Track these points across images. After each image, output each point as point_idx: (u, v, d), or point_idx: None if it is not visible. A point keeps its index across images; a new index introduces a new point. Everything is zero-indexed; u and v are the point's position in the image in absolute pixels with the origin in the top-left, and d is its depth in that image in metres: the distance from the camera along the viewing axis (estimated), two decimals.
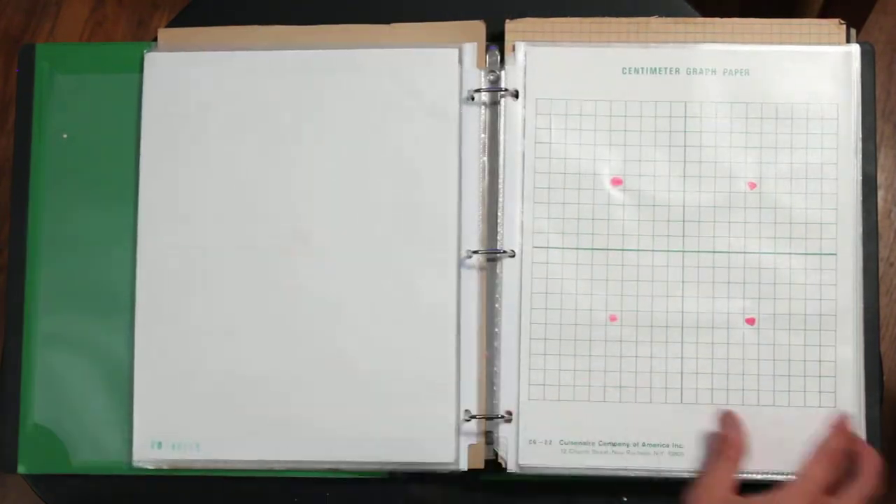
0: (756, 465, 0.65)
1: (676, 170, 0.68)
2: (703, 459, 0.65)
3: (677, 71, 0.69)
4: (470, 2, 0.72)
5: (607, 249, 0.68)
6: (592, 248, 0.68)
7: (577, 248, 0.68)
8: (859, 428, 0.66)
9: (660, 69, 0.69)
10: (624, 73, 0.69)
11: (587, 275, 0.67)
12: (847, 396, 0.66)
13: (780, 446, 0.66)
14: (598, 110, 0.68)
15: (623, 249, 0.68)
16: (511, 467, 0.66)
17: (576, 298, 0.67)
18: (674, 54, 0.69)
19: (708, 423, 0.66)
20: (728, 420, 0.65)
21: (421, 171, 0.69)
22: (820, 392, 0.66)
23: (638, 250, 0.68)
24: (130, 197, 0.70)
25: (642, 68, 0.69)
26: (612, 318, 0.67)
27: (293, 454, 0.68)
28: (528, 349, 0.67)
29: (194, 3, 0.76)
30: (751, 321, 0.67)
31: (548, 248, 0.68)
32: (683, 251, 0.67)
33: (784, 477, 0.65)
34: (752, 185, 0.68)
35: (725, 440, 0.65)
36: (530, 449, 0.66)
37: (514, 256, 0.68)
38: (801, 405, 0.66)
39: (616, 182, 0.68)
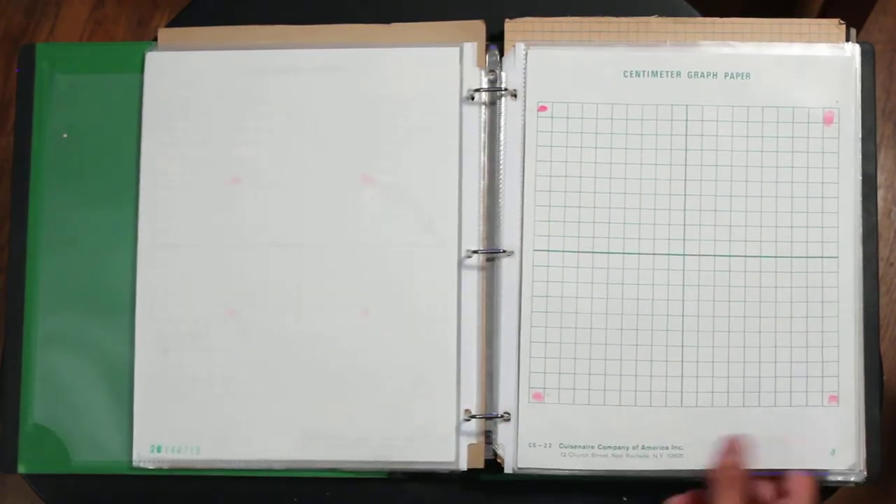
0: (758, 466, 0.65)
1: (677, 173, 0.68)
2: (709, 490, 0.62)
3: (678, 74, 0.69)
4: (470, 2, 0.72)
5: (608, 253, 0.68)
6: (593, 252, 0.68)
7: (577, 252, 0.68)
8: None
9: (661, 72, 0.69)
10: (625, 76, 0.69)
11: (588, 278, 0.67)
12: (847, 397, 0.66)
13: (782, 447, 0.66)
14: (599, 113, 0.68)
15: (624, 253, 0.67)
16: (510, 469, 0.66)
17: (576, 302, 0.67)
18: (675, 57, 0.69)
19: (708, 425, 0.66)
20: (730, 446, 0.64)
21: (421, 169, 0.69)
22: (822, 392, 0.66)
23: (639, 254, 0.67)
24: (130, 197, 0.70)
25: (643, 71, 0.69)
26: (612, 322, 0.67)
27: (293, 454, 0.68)
28: (528, 352, 0.67)
29: (194, 3, 0.76)
30: (752, 324, 0.67)
31: (548, 251, 0.68)
32: (684, 255, 0.67)
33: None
34: (753, 189, 0.68)
35: (731, 468, 0.62)
36: (530, 452, 0.66)
37: (512, 256, 0.68)
38: (803, 405, 0.66)
39: (616, 185, 0.68)
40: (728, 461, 0.63)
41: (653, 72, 0.69)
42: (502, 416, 0.67)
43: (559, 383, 0.67)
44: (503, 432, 0.67)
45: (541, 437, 0.66)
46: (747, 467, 0.63)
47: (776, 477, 0.64)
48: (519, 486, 0.69)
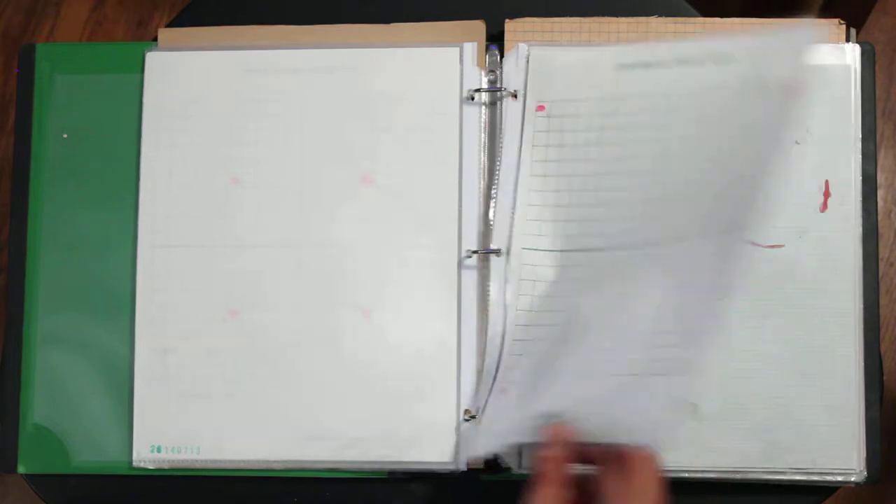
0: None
1: (677, 170, 0.68)
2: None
3: (676, 68, 0.68)
4: (470, 2, 0.72)
5: (602, 250, 0.67)
6: (588, 250, 0.67)
7: (571, 251, 0.67)
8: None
9: (655, 64, 0.68)
10: (624, 76, 0.68)
11: (580, 276, 0.67)
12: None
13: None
14: (598, 111, 0.68)
15: (619, 249, 0.67)
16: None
17: (566, 300, 0.67)
18: (672, 52, 0.68)
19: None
20: (554, 437, 0.58)
21: (421, 170, 0.69)
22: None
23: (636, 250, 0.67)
24: (130, 197, 0.70)
25: (638, 64, 0.68)
26: (609, 321, 0.67)
27: (293, 454, 0.68)
28: (510, 350, 0.66)
29: (194, 3, 0.76)
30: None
31: (537, 250, 0.67)
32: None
33: (780, 477, 0.65)
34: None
35: (552, 460, 0.57)
36: (532, 451, 0.66)
37: (500, 255, 0.67)
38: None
39: (615, 184, 0.68)
40: (549, 454, 0.58)
41: (645, 63, 0.68)
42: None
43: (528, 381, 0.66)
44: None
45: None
46: (571, 458, 0.58)
47: (610, 450, 0.58)
48: (519, 486, 0.69)
